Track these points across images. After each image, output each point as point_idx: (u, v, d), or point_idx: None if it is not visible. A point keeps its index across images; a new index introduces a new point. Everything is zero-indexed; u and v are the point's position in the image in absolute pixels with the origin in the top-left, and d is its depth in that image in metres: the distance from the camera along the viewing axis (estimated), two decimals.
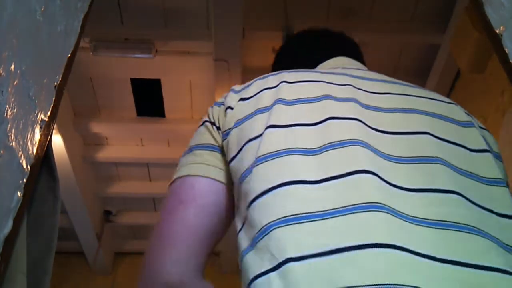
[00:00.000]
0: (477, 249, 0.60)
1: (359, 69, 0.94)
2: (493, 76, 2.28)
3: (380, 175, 0.65)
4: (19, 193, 0.73)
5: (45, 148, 0.86)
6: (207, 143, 0.79)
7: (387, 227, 0.59)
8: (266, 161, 0.67)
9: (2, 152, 0.68)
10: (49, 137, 0.87)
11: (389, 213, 0.60)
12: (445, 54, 2.63)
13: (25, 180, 0.76)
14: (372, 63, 1.07)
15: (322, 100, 0.76)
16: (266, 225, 0.61)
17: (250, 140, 0.72)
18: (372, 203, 0.61)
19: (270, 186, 0.65)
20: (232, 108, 0.80)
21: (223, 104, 0.82)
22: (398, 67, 2.78)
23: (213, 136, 0.80)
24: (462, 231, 0.61)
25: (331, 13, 2.56)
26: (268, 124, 0.72)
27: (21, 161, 0.74)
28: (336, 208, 0.60)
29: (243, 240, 0.65)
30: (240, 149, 0.73)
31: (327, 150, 0.68)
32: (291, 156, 0.67)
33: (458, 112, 0.83)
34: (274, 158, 0.67)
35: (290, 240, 0.58)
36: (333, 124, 0.72)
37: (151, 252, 0.70)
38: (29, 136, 0.78)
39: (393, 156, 0.70)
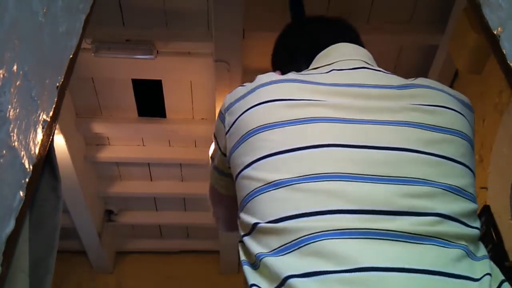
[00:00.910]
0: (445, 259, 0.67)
1: (354, 68, 0.92)
2: (491, 77, 2.28)
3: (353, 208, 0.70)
4: (21, 193, 0.74)
5: (47, 148, 0.86)
6: (217, 167, 0.99)
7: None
8: (255, 197, 0.77)
9: (4, 152, 0.69)
10: (51, 137, 0.88)
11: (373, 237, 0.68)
12: (444, 55, 2.63)
13: (27, 179, 0.77)
14: None
15: (304, 123, 0.79)
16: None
17: (239, 173, 0.81)
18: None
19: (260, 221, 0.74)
20: (228, 131, 0.86)
21: (224, 123, 0.88)
22: (396, 67, 2.78)
23: (218, 158, 0.96)
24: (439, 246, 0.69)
25: (330, 13, 2.56)
26: (250, 161, 0.79)
27: (23, 161, 0.75)
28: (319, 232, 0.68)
29: (254, 245, 0.74)
30: (236, 178, 0.83)
31: (304, 182, 0.73)
32: (270, 192, 0.75)
33: (447, 120, 0.83)
34: (261, 194, 0.76)
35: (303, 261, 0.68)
36: (308, 154, 0.75)
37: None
38: (31, 136, 0.79)
39: (372, 176, 0.73)
